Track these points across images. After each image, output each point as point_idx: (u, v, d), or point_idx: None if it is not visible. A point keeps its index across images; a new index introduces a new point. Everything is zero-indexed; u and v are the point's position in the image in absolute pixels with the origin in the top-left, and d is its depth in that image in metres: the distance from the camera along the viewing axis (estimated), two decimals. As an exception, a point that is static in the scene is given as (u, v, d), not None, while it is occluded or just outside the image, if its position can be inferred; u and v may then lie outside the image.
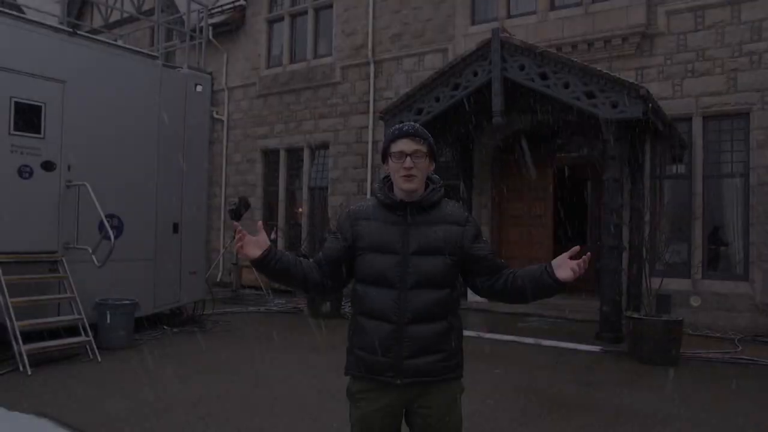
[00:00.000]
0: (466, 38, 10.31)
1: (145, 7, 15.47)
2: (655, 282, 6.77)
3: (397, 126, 2.19)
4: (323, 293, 2.28)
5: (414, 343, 2.06)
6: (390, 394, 2.11)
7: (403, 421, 2.21)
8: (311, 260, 2.24)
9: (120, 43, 8.89)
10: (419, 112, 8.64)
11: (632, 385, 5.55)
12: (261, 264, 2.11)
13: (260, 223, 2.21)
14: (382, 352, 2.08)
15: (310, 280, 2.17)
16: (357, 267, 2.16)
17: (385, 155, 2.17)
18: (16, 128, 6.29)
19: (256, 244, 2.11)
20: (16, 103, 6.29)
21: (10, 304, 5.74)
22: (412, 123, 2.20)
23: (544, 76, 7.65)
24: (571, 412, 4.72)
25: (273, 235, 13.37)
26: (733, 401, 5.07)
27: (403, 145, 2.10)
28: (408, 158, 2.08)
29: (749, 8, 8.32)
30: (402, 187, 2.10)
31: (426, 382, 2.10)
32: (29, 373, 5.43)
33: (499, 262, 2.20)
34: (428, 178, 2.18)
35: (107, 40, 7.97)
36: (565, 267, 2.07)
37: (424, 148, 2.11)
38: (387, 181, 2.20)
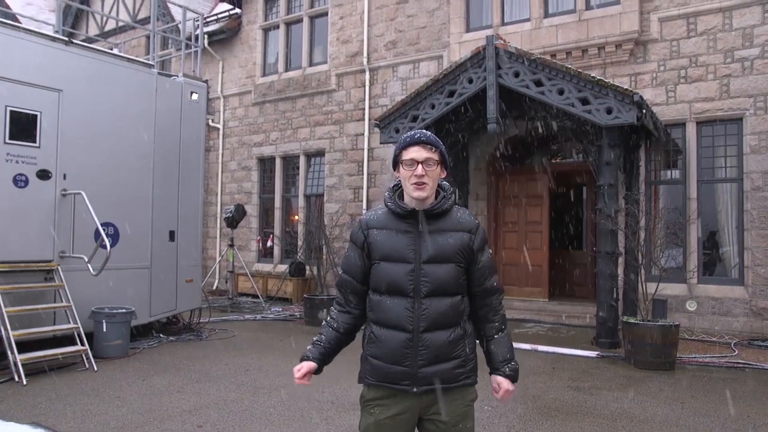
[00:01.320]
0: (461, 45, 10.36)
1: (141, 16, 15.50)
2: (651, 287, 6.80)
3: (409, 133, 2.17)
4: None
5: (429, 351, 2.06)
6: (405, 402, 2.10)
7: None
8: (338, 298, 2.27)
9: (116, 51, 8.89)
10: (414, 119, 8.67)
11: (629, 390, 5.56)
12: (319, 372, 2.24)
13: (298, 381, 2.21)
14: (398, 361, 2.08)
15: (354, 331, 2.25)
16: (371, 276, 2.16)
17: (396, 162, 2.15)
18: (12, 137, 6.28)
19: (309, 369, 2.19)
20: (12, 111, 6.29)
21: (5, 314, 5.72)
22: (424, 130, 2.18)
23: (538, 83, 7.69)
24: (568, 417, 4.72)
25: (269, 242, 13.37)
26: (730, 405, 5.08)
27: (415, 152, 2.08)
28: (420, 166, 2.07)
29: (740, 15, 8.40)
30: (413, 195, 2.09)
31: (442, 389, 2.10)
32: (24, 383, 5.40)
33: (490, 287, 2.19)
34: (439, 186, 2.16)
35: (103, 49, 7.97)
36: (501, 387, 2.21)
37: (435, 156, 2.09)
38: (397, 189, 2.19)
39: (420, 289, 2.07)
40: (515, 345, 2.23)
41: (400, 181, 2.16)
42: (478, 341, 2.25)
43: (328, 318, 2.28)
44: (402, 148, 2.13)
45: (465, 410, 2.15)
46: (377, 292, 2.14)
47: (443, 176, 2.17)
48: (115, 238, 7.11)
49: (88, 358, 6.11)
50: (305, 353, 2.22)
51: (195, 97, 8.37)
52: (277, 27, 13.61)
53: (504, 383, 2.19)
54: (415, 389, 2.07)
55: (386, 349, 2.10)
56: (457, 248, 2.10)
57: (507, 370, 2.20)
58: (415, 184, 2.07)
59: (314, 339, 2.26)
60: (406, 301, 2.08)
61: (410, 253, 2.09)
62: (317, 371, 2.21)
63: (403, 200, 2.15)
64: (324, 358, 2.22)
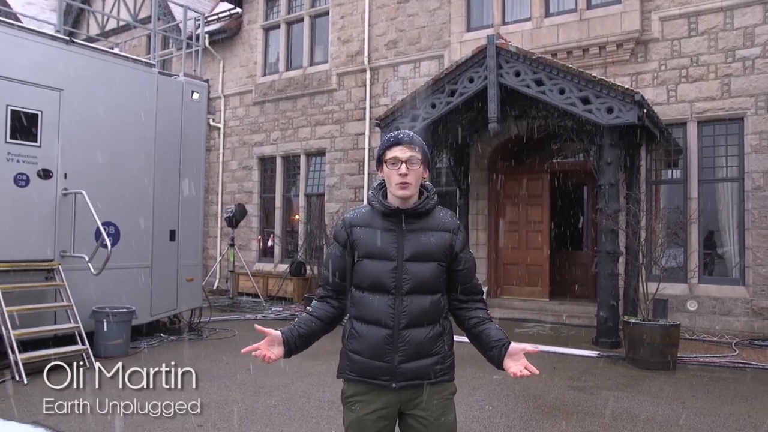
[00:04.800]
0: (462, 45, 10.35)
1: (142, 16, 15.50)
2: (652, 286, 6.79)
3: (392, 133, 2.22)
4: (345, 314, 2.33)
5: (409, 347, 2.11)
6: (385, 397, 2.14)
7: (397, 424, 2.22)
8: (319, 291, 2.31)
9: (116, 51, 8.90)
10: (415, 118, 8.66)
11: (630, 389, 5.56)
12: (289, 355, 2.21)
13: (257, 327, 2.26)
14: (379, 357, 2.12)
15: (333, 322, 2.27)
16: (354, 273, 2.20)
17: (380, 162, 2.20)
18: (13, 136, 6.28)
19: (273, 344, 2.22)
20: (13, 111, 6.29)
21: (5, 313, 5.72)
22: (407, 131, 2.24)
23: (539, 82, 7.69)
24: (568, 417, 4.72)
25: (270, 242, 13.37)
26: (731, 405, 5.09)
27: (398, 151, 2.13)
28: (403, 165, 2.11)
29: (741, 14, 8.39)
30: (397, 194, 2.13)
31: (420, 385, 2.13)
32: (25, 382, 5.40)
33: (474, 285, 2.26)
34: (422, 186, 2.21)
35: (104, 49, 7.97)
36: (516, 360, 2.19)
37: (418, 155, 2.14)
38: (381, 188, 2.23)
39: (402, 287, 2.11)
40: (515, 345, 2.25)
41: (383, 179, 2.20)
42: (473, 342, 2.27)
43: (308, 308, 2.33)
44: (386, 148, 2.17)
45: (445, 403, 2.18)
46: (360, 289, 2.18)
47: (426, 176, 2.22)
48: (115, 237, 7.10)
49: (88, 358, 6.10)
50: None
51: (196, 96, 8.36)
52: (278, 26, 13.60)
53: (519, 345, 2.20)
54: (394, 385, 2.11)
55: (367, 345, 2.14)
56: (438, 247, 2.15)
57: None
58: (399, 183, 2.12)
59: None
60: (388, 297, 2.12)
61: (393, 251, 2.13)
62: (287, 354, 2.22)
63: (386, 199, 2.19)
64: (293, 336, 2.22)
